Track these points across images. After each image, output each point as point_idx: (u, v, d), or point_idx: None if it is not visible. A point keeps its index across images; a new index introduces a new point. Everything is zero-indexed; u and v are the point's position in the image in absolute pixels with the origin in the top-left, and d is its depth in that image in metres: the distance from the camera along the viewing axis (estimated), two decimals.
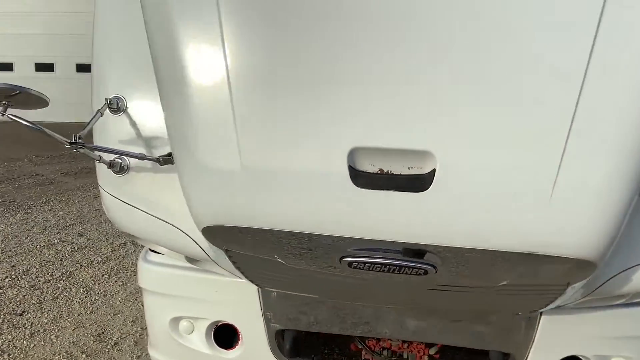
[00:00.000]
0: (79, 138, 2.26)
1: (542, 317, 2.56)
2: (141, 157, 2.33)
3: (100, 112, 2.42)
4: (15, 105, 2.13)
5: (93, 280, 5.56)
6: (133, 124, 2.53)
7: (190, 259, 2.71)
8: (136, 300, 5.14)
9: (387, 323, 2.66)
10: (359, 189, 1.78)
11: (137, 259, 6.00)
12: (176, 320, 2.96)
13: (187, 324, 2.97)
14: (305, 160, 1.82)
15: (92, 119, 2.38)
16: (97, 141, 2.61)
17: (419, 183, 1.77)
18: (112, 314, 4.85)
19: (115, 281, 5.55)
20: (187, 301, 2.91)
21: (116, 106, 2.54)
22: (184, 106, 1.94)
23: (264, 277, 2.46)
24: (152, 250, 3.03)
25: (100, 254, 6.31)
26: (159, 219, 2.49)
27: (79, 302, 5.06)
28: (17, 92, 2.09)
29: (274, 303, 2.77)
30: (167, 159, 2.32)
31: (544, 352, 2.60)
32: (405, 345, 3.05)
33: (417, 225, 1.81)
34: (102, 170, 2.55)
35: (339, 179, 1.79)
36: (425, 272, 1.91)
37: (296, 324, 2.76)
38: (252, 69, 1.87)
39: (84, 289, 5.34)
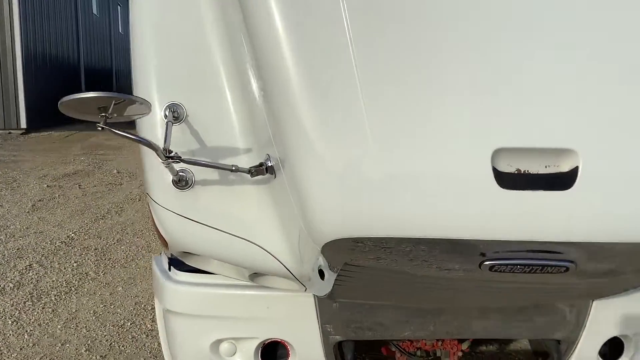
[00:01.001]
0: (170, 152, 2.06)
1: (594, 301, 2.72)
2: (234, 170, 2.17)
3: (170, 122, 2.21)
4: (116, 114, 1.89)
5: (16, 309, 4.99)
6: (195, 132, 2.34)
7: (252, 275, 2.54)
8: (77, 325, 4.69)
9: (452, 323, 2.68)
10: (504, 190, 1.79)
11: (53, 280, 5.50)
12: (217, 343, 2.77)
13: (229, 345, 2.79)
14: (449, 163, 1.81)
15: (167, 130, 2.16)
16: (145, 153, 2.38)
17: (564, 181, 1.81)
18: (59, 344, 4.40)
19: (42, 307, 5.03)
20: (233, 321, 2.74)
21: (176, 114, 2.33)
22: (308, 110, 1.82)
23: (359, 290, 2.38)
24: (171, 266, 2.82)
25: (9, 279, 5.67)
26: (230, 234, 2.32)
27: (14, 336, 4.51)
28: (122, 100, 1.85)
29: (335, 314, 2.69)
30: (259, 170, 2.17)
31: (592, 336, 2.77)
32: (439, 343, 3.09)
33: (563, 224, 1.85)
34: (158, 184, 2.33)
35: (484, 181, 1.79)
36: (567, 269, 1.96)
37: (359, 333, 2.70)
38: (389, 68, 1.81)
39: (12, 320, 4.77)
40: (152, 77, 2.38)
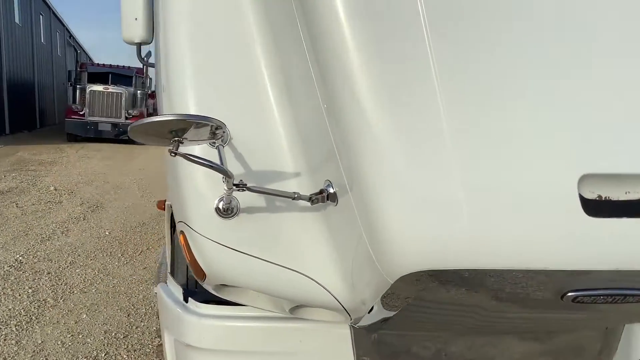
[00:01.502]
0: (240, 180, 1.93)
1: (625, 324, 2.73)
2: (296, 197, 2.04)
3: (222, 145, 2.06)
4: (189, 137, 1.74)
5: None
6: (239, 156, 2.20)
7: (292, 308, 2.40)
8: (47, 358, 4.36)
9: (489, 351, 2.62)
10: (591, 218, 1.75)
11: (9, 309, 5.11)
12: None
13: None
14: (535, 190, 1.74)
15: (221, 154, 2.01)
16: (184, 179, 2.22)
17: None
18: None
19: (4, 339, 4.66)
20: (265, 356, 2.57)
21: (219, 135, 2.19)
22: (389, 130, 1.73)
23: (412, 321, 2.28)
24: (191, 298, 2.65)
25: None
26: (278, 265, 2.18)
27: None
28: (200, 123, 1.70)
29: (372, 346, 2.58)
30: (320, 198, 2.05)
31: (622, 358, 2.77)
32: None
33: None
34: (200, 212, 2.17)
35: (571, 208, 1.75)
36: None
37: None
38: (475, 84, 1.76)
39: None
40: (189, 95, 2.23)
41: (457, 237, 1.72)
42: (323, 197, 2.04)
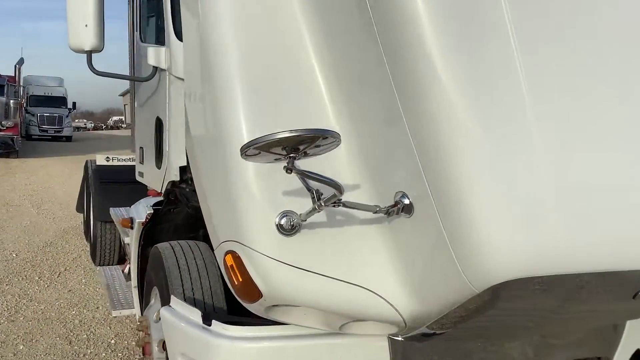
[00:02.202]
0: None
1: None
2: (377, 211, 2.00)
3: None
4: (305, 152, 1.68)
5: None
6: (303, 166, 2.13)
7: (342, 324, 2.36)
8: None
9: (528, 350, 2.70)
10: None
11: None
12: None
13: None
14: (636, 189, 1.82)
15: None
16: (240, 196, 2.14)
17: None
18: None
19: None
20: None
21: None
22: (477, 134, 1.77)
23: (474, 329, 2.31)
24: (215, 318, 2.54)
25: None
26: (342, 281, 2.14)
27: None
28: (324, 137, 1.64)
29: (410, 355, 2.58)
30: (395, 210, 2.03)
31: (624, 350, 2.96)
32: None
33: None
34: (258, 229, 2.08)
35: None
36: None
37: None
38: (576, 82, 1.82)
39: None
40: (240, 105, 2.13)
41: (554, 242, 1.76)
42: (398, 209, 2.02)
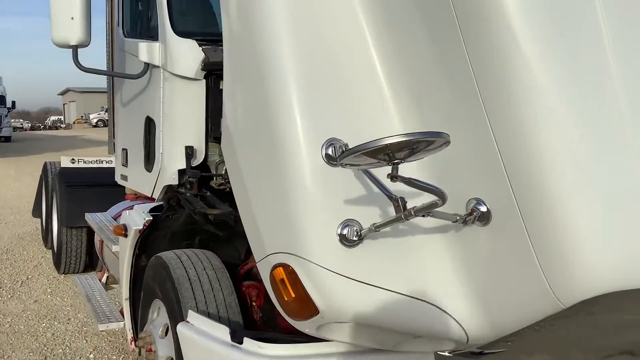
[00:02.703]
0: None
1: None
2: (457, 220, 1.85)
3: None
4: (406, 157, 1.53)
5: None
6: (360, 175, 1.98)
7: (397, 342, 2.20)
8: None
9: None
10: None
11: None
12: None
13: None
14: None
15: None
16: (297, 204, 1.96)
17: None
18: None
19: None
20: None
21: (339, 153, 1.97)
22: (575, 137, 1.67)
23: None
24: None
25: None
26: (406, 296, 1.99)
27: None
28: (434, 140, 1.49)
29: None
30: (471, 218, 1.88)
31: None
32: None
33: None
34: (319, 241, 1.92)
35: None
36: None
37: None
38: None
39: None
40: (295, 106, 1.95)
41: None
42: (474, 217, 1.87)
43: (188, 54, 3.57)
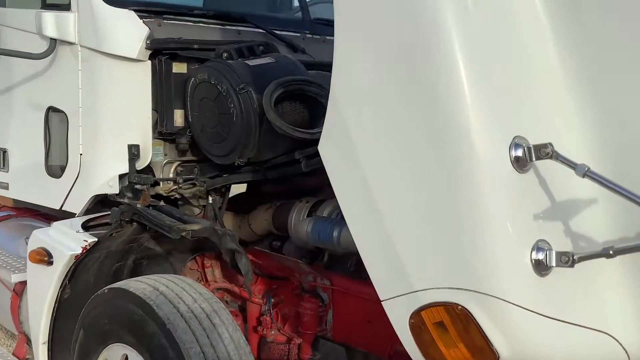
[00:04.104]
0: None
1: None
2: None
3: None
4: None
5: None
6: (543, 184, 1.63)
7: None
8: None
9: None
10: None
11: None
12: None
13: None
14: None
15: None
16: (482, 225, 1.56)
17: None
18: None
19: None
20: None
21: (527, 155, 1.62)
22: None
23: None
24: None
25: None
26: (591, 329, 1.67)
27: None
28: None
29: None
30: None
31: None
32: None
33: None
34: (505, 269, 1.53)
35: None
36: None
37: None
38: None
39: None
40: (478, 103, 1.52)
41: None
42: None
43: (124, 29, 2.83)
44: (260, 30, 3.13)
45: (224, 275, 3.16)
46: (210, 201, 3.01)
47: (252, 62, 2.69)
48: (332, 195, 2.98)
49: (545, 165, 1.55)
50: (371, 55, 1.73)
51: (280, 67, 2.73)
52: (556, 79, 1.67)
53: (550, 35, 1.67)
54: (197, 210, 3.09)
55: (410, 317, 1.62)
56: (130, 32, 2.81)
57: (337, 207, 2.78)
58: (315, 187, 3.06)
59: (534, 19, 1.66)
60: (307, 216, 2.86)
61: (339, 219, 2.56)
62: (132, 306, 2.42)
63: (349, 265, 2.85)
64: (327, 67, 3.14)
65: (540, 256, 1.51)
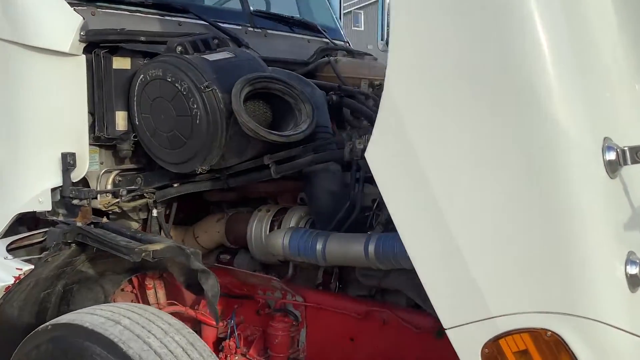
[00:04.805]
0: None
1: None
2: None
3: None
4: None
5: None
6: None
7: None
8: None
9: None
10: None
11: None
12: None
13: None
14: None
15: None
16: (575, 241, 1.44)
17: None
18: None
19: None
20: None
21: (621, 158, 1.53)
22: None
23: None
24: None
25: None
26: None
27: None
28: None
29: None
30: None
31: None
32: None
33: None
34: (604, 287, 1.42)
35: None
36: None
37: None
38: None
39: None
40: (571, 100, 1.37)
41: None
42: None
43: (51, 17, 2.41)
44: (203, 22, 2.81)
45: (169, 297, 2.82)
46: (155, 214, 2.66)
47: (211, 57, 2.38)
48: (292, 203, 2.80)
49: (630, 169, 1.43)
50: (447, 50, 1.50)
51: (243, 63, 2.45)
52: (628, 75, 1.57)
53: (617, 30, 1.57)
54: (135, 225, 2.73)
55: (484, 347, 1.44)
56: (59, 21, 2.40)
57: (306, 216, 2.59)
58: (271, 193, 2.81)
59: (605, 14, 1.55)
60: (269, 226, 2.61)
61: (320, 232, 2.34)
62: (90, 344, 2.05)
63: (317, 277, 2.62)
64: (283, 63, 2.95)
65: (634, 270, 1.38)
